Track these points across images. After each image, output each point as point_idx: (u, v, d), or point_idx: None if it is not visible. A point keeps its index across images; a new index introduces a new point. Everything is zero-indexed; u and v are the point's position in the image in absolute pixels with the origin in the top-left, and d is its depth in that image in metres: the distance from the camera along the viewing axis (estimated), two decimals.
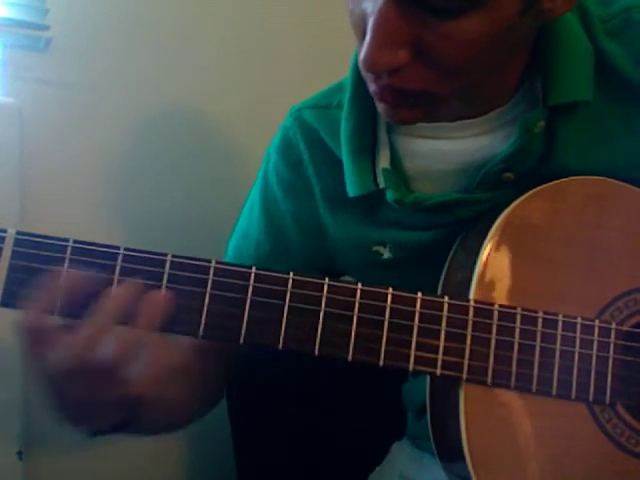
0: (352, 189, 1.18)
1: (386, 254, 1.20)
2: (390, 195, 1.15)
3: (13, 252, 0.94)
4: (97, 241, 0.96)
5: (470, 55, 0.96)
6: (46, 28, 1.66)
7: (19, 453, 1.58)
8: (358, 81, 1.17)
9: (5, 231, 0.94)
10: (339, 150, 1.21)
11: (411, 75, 0.97)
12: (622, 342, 1.05)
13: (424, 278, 1.07)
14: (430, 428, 1.08)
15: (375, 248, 1.21)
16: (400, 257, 1.20)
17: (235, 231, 1.37)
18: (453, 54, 0.95)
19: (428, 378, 1.07)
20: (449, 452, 1.06)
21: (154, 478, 1.79)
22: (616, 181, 1.09)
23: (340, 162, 1.21)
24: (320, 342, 0.97)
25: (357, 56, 1.16)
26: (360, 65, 1.00)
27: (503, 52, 1.01)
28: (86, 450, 1.71)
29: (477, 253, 1.04)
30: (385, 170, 1.16)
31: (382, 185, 1.16)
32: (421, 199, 1.14)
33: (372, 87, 1.03)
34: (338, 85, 1.29)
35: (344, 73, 1.22)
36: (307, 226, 1.27)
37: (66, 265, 0.94)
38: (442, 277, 1.11)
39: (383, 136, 1.19)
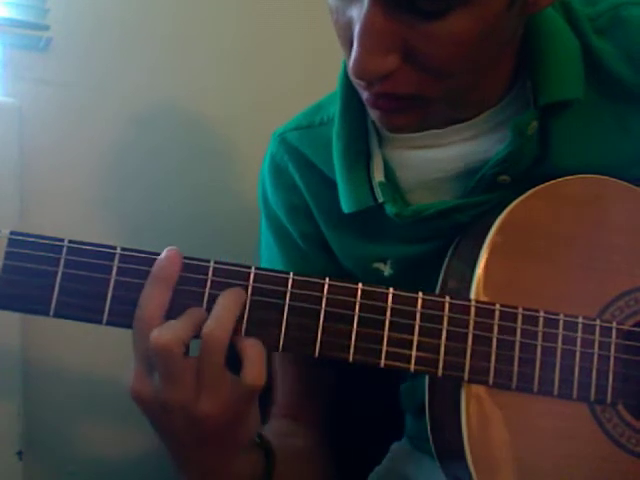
0: (348, 205, 1.18)
1: (387, 271, 1.19)
2: (390, 209, 1.14)
3: (7, 253, 0.93)
4: (97, 240, 0.96)
5: (460, 55, 0.95)
6: (46, 28, 1.66)
7: (19, 453, 1.58)
8: (347, 95, 1.17)
9: None
10: (327, 168, 1.21)
11: (403, 79, 0.96)
12: (623, 341, 1.05)
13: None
14: (429, 429, 1.08)
15: (375, 265, 1.20)
16: (402, 273, 1.19)
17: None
18: (443, 55, 0.94)
19: (427, 379, 1.07)
20: (449, 453, 1.06)
21: (154, 478, 1.79)
22: (615, 180, 1.09)
23: (330, 180, 1.21)
24: (320, 343, 0.97)
25: (346, 68, 1.17)
26: (350, 73, 0.98)
27: (492, 50, 1.00)
28: (86, 450, 1.72)
29: (477, 254, 1.04)
30: (381, 184, 1.15)
31: (380, 199, 1.15)
32: (420, 210, 1.14)
33: (365, 95, 1.02)
34: (317, 105, 1.29)
35: None
36: (320, 244, 1.26)
37: (61, 266, 0.94)
38: (441, 277, 1.11)
39: (375, 150, 1.18)
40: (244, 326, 0.96)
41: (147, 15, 1.78)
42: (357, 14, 0.93)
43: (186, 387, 0.93)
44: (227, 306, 0.94)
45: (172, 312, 0.94)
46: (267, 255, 1.34)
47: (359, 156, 1.17)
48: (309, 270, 1.20)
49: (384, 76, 0.95)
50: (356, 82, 1.02)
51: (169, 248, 0.95)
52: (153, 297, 0.93)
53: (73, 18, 1.70)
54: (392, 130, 1.13)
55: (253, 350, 0.95)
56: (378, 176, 1.16)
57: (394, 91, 0.98)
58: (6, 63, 1.66)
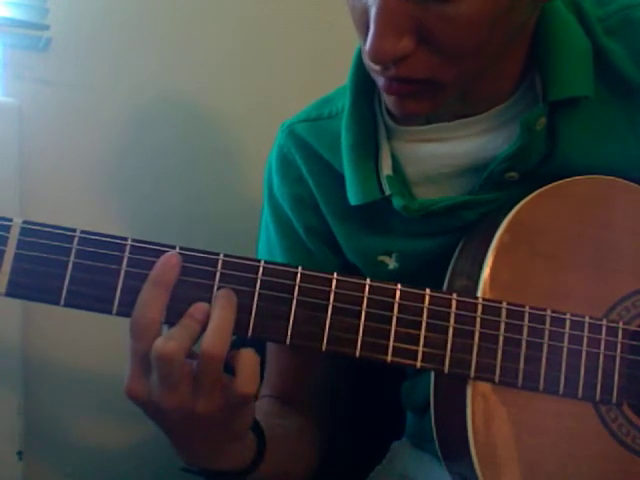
0: (355, 197, 1.18)
1: (392, 264, 1.19)
2: (397, 202, 1.14)
3: (19, 241, 0.93)
4: None
5: (474, 36, 0.95)
6: (46, 28, 1.66)
7: (19, 453, 1.58)
8: (358, 88, 1.18)
9: (11, 220, 0.93)
10: (335, 160, 1.21)
11: (417, 63, 0.97)
12: (629, 342, 1.05)
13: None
14: (434, 426, 1.07)
15: (380, 258, 1.20)
16: (406, 267, 1.19)
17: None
18: (457, 36, 0.95)
19: (432, 376, 1.06)
20: (453, 451, 1.06)
21: (154, 477, 1.79)
22: (623, 180, 1.09)
23: (337, 172, 1.21)
24: (328, 338, 0.97)
25: (357, 60, 1.18)
26: (366, 57, 0.99)
27: (505, 33, 1.00)
28: (86, 451, 1.71)
29: (484, 253, 1.04)
30: (389, 177, 1.15)
31: (388, 192, 1.15)
32: (427, 204, 1.14)
33: (380, 81, 1.03)
34: (326, 98, 1.30)
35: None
36: (323, 237, 1.26)
37: (72, 255, 0.93)
38: (447, 275, 1.11)
39: (384, 143, 1.18)
40: (252, 320, 0.96)
41: (147, 15, 1.78)
42: None
43: (183, 393, 0.94)
44: (224, 317, 0.94)
45: (182, 304, 0.94)
46: (266, 246, 1.34)
47: (367, 149, 1.17)
48: (308, 264, 1.20)
49: (399, 59, 0.96)
50: (371, 68, 1.03)
51: (170, 252, 0.95)
52: (150, 301, 0.94)
53: (73, 18, 1.70)
54: (404, 117, 1.13)
55: (246, 361, 0.95)
56: (386, 169, 1.16)
57: (409, 75, 0.99)
58: (6, 63, 1.66)
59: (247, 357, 0.95)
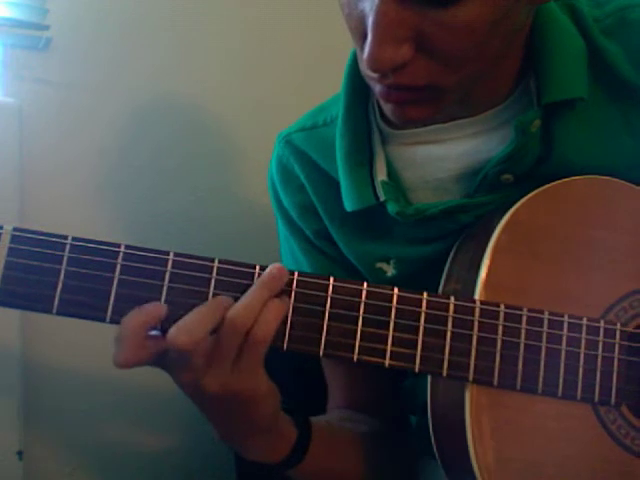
0: (350, 203, 1.18)
1: (390, 271, 1.20)
2: (392, 208, 1.14)
3: (9, 249, 0.91)
4: None
5: (473, 42, 0.94)
6: (46, 28, 1.66)
7: (19, 453, 1.58)
8: (351, 94, 1.18)
9: (1, 227, 0.92)
10: (331, 168, 1.21)
11: (416, 70, 0.96)
12: (627, 343, 1.05)
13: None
14: (431, 430, 1.07)
15: (378, 265, 1.21)
16: (405, 273, 1.19)
17: None
18: (457, 42, 0.94)
19: (429, 379, 1.06)
20: (452, 454, 1.05)
21: (155, 478, 1.79)
22: (620, 181, 1.09)
23: (334, 180, 1.21)
24: (325, 343, 0.96)
25: (351, 66, 1.18)
26: (364, 66, 0.98)
27: (503, 37, 0.99)
28: (86, 450, 1.71)
29: (481, 255, 1.04)
30: (384, 183, 1.15)
31: (382, 198, 1.15)
32: (422, 209, 1.13)
33: (378, 88, 1.02)
34: (321, 107, 1.30)
35: None
36: (332, 241, 1.26)
37: (64, 263, 0.92)
38: (443, 277, 1.11)
39: (378, 149, 1.18)
40: None
41: (147, 15, 1.78)
42: (369, 6, 0.92)
43: (196, 367, 0.94)
44: (259, 292, 0.94)
45: (179, 311, 0.93)
46: (290, 255, 1.34)
47: (362, 155, 1.17)
48: (329, 266, 1.22)
49: (398, 67, 0.95)
50: (368, 75, 1.02)
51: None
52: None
53: (73, 18, 1.70)
54: (405, 122, 1.12)
55: (270, 308, 0.95)
56: (380, 175, 1.16)
57: (408, 83, 0.98)
58: (6, 63, 1.66)
59: (272, 304, 0.95)
